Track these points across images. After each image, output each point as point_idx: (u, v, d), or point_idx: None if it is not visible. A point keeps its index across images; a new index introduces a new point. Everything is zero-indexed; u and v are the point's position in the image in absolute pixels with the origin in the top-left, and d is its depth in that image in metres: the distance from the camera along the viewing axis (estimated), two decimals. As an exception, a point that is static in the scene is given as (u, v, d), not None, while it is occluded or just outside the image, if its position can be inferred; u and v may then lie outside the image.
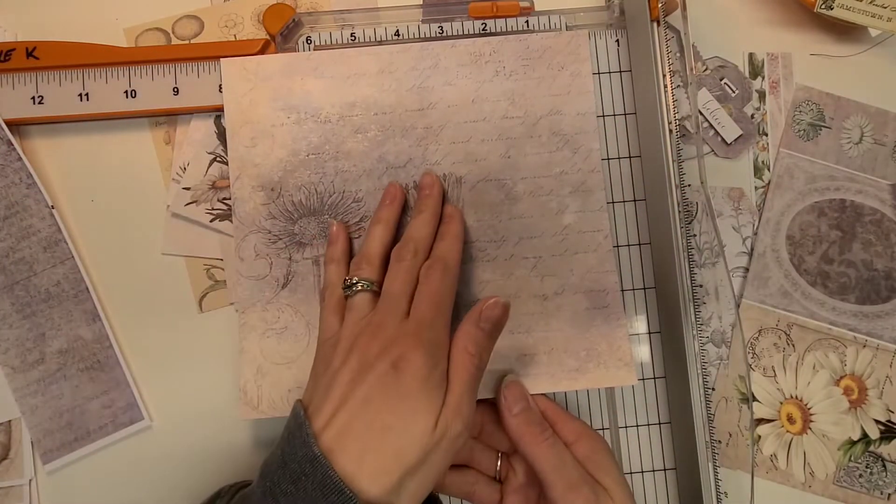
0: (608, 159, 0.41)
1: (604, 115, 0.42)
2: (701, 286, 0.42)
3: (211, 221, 0.42)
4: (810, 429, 0.42)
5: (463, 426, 0.31)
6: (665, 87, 0.41)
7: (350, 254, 0.39)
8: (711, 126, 0.43)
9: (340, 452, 0.29)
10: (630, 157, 0.41)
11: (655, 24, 0.41)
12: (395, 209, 0.39)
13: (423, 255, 0.36)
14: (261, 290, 0.39)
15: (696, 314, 0.41)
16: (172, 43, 0.43)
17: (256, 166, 0.40)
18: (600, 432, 0.40)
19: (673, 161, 0.40)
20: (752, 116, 0.43)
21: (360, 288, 0.35)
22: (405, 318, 0.33)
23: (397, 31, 0.42)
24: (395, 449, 0.30)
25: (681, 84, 0.43)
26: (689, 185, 0.41)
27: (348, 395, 0.31)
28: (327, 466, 0.28)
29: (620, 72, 0.42)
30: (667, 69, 0.41)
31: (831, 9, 0.41)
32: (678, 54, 0.43)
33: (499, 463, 0.38)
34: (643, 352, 0.41)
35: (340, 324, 0.35)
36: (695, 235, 0.42)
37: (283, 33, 0.41)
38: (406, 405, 0.30)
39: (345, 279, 0.36)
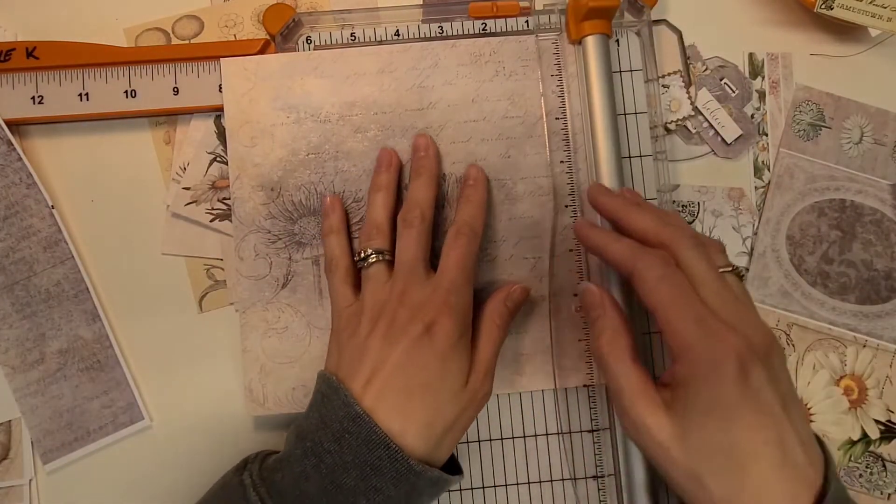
0: (608, 159, 0.41)
1: (604, 115, 0.42)
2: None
3: (211, 221, 0.42)
4: (810, 429, 0.42)
5: (489, 387, 0.34)
6: (663, 87, 0.41)
7: (348, 229, 0.39)
8: (711, 126, 0.43)
9: (383, 411, 0.31)
10: (630, 157, 0.41)
11: (653, 25, 0.41)
12: (394, 173, 0.39)
13: (430, 217, 0.37)
14: (261, 290, 0.39)
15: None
16: (172, 43, 0.43)
17: (256, 166, 0.40)
18: (601, 433, 0.40)
19: (669, 161, 0.40)
20: (752, 116, 0.43)
21: (374, 259, 0.36)
22: (426, 281, 0.34)
23: (397, 31, 0.41)
24: (435, 407, 0.32)
25: (682, 84, 0.43)
26: (690, 185, 0.41)
27: (384, 358, 0.32)
28: (372, 423, 0.30)
29: (620, 72, 0.42)
30: (666, 70, 0.41)
31: (831, 9, 0.41)
32: (679, 54, 0.43)
33: None
34: (643, 351, 0.41)
35: (353, 293, 0.36)
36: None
37: (283, 33, 0.41)
38: (441, 366, 0.32)
39: (358, 252, 0.37)
